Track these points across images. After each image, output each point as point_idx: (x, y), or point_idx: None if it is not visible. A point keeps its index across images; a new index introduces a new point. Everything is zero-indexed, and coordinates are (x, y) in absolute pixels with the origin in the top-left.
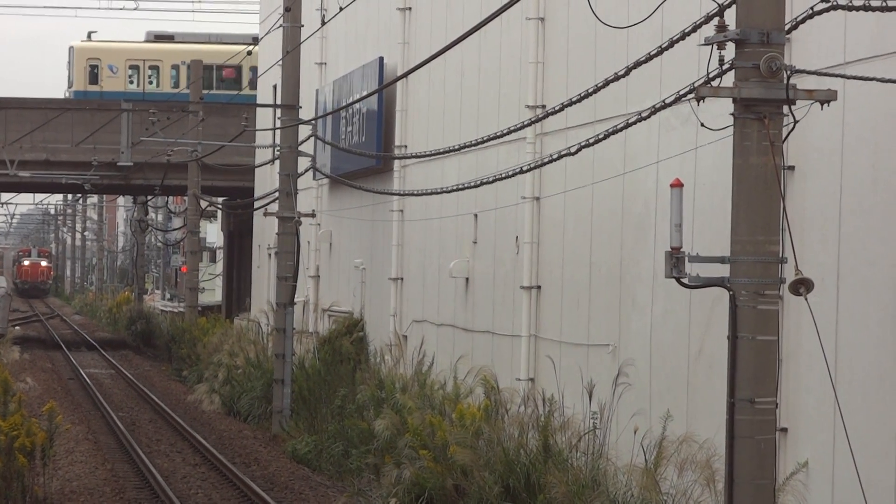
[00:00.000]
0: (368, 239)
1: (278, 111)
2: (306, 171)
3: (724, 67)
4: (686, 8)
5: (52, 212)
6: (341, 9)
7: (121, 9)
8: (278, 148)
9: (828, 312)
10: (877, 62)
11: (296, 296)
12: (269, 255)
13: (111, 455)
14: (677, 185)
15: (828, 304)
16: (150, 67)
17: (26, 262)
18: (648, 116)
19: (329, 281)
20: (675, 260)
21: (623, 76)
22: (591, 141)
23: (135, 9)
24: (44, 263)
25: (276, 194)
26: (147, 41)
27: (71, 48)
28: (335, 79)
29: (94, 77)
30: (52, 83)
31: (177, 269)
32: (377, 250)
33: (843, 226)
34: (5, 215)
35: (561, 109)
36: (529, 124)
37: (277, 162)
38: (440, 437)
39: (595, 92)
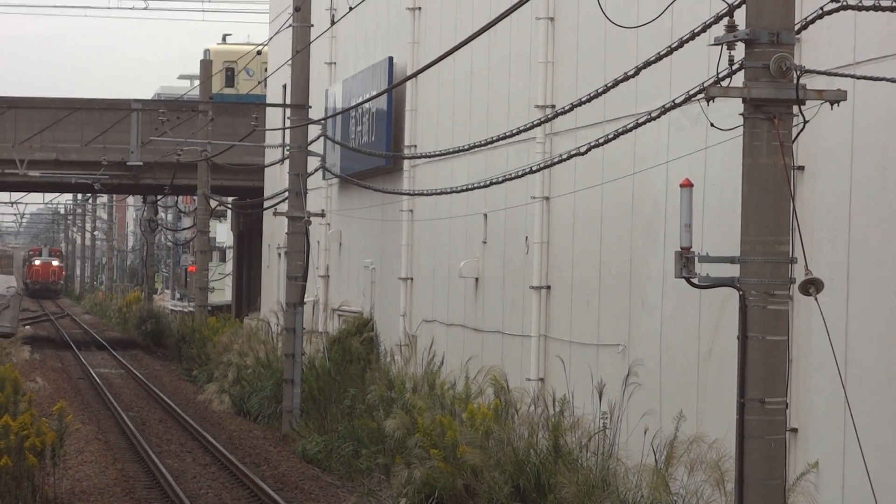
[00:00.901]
0: (378, 239)
1: (288, 111)
2: (316, 170)
3: (734, 67)
4: (695, 8)
5: (62, 211)
6: (351, 9)
7: (130, 8)
8: (288, 148)
9: (837, 312)
10: (887, 62)
11: (306, 295)
12: (279, 254)
13: (121, 455)
14: (687, 185)
15: (837, 304)
16: None
17: (37, 262)
18: (658, 116)
19: (339, 281)
20: (685, 260)
21: (633, 76)
22: (600, 141)
23: (144, 8)
24: (55, 263)
25: (286, 194)
26: None
27: (206, 51)
28: (345, 78)
29: (230, 80)
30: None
31: (186, 268)
32: (387, 250)
33: (853, 226)
34: (15, 215)
35: (570, 109)
36: (539, 124)
37: (287, 162)
38: (450, 437)
39: (605, 92)
